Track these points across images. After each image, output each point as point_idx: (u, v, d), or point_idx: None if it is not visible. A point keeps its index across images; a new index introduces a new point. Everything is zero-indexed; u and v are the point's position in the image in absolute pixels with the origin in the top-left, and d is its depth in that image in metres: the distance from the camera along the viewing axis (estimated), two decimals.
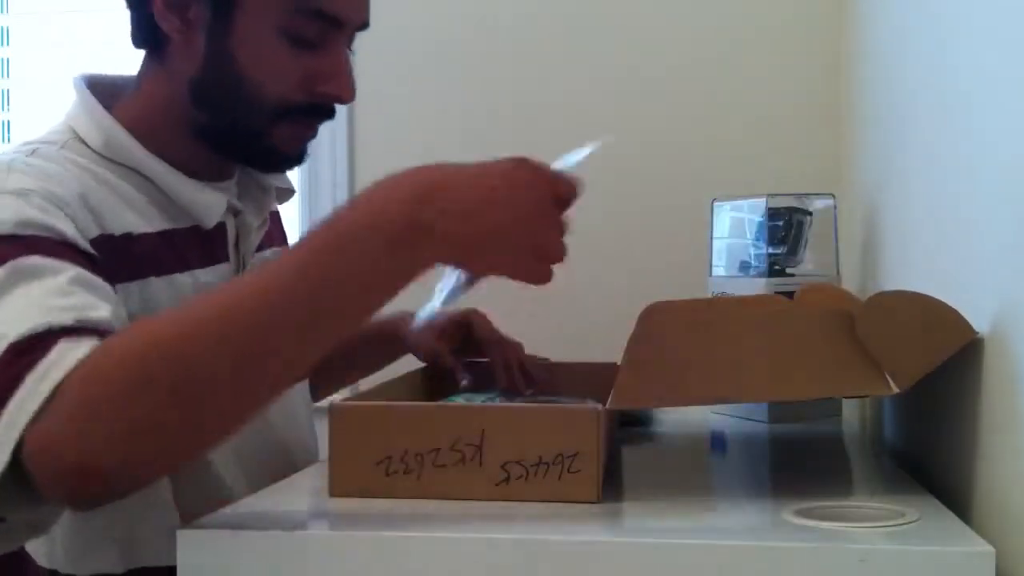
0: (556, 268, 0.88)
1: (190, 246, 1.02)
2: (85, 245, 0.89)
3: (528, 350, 1.30)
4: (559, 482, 0.82)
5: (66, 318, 0.79)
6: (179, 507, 0.97)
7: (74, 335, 0.78)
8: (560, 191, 0.86)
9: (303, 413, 1.18)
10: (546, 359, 1.31)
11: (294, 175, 1.18)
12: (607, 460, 0.90)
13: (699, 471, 1.09)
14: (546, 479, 0.82)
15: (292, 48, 0.99)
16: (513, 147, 2.06)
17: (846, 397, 1.33)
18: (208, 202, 1.03)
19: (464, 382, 1.23)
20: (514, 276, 0.84)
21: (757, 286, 1.35)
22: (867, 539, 0.73)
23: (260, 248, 1.11)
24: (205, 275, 1.02)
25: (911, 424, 1.13)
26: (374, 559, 0.74)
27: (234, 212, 1.07)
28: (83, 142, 1.00)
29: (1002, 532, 0.76)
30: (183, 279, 1.00)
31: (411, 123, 1.93)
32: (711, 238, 1.47)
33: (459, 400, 1.14)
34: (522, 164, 0.85)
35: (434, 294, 0.93)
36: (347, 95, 1.02)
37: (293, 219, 1.93)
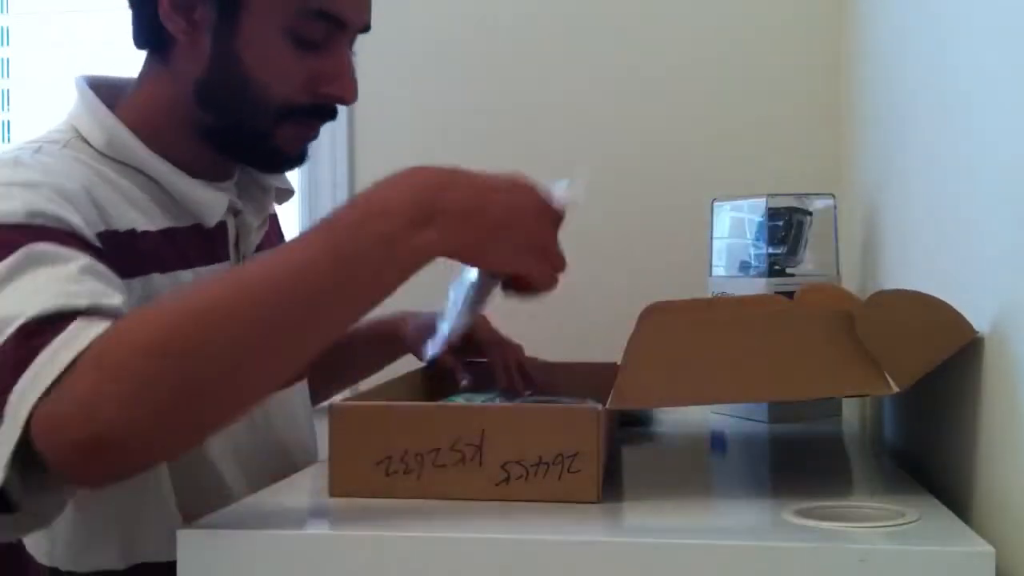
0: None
1: (191, 244, 1.03)
2: (92, 239, 0.90)
3: (528, 350, 1.30)
4: (559, 482, 0.82)
5: (81, 302, 0.80)
6: (179, 505, 0.98)
7: (88, 317, 0.79)
8: (553, 207, 0.89)
9: (303, 414, 1.18)
10: (545, 361, 1.31)
11: (294, 176, 1.18)
12: (607, 460, 0.90)
13: (699, 471, 1.09)
14: (546, 479, 0.82)
15: (296, 49, 0.99)
16: (513, 147, 2.08)
17: (846, 397, 1.33)
18: (210, 201, 1.04)
19: (464, 382, 1.23)
20: (517, 269, 0.86)
21: (757, 286, 1.35)
22: (867, 539, 0.73)
23: (259, 248, 1.12)
24: (206, 273, 1.03)
25: (911, 424, 1.13)
26: (374, 559, 0.74)
27: (234, 212, 1.08)
28: (85, 141, 1.00)
29: (1002, 532, 0.76)
30: (185, 276, 1.00)
31: (411, 124, 1.93)
32: (711, 238, 1.47)
33: (459, 400, 1.14)
34: (518, 174, 0.88)
35: (440, 323, 0.94)
36: (350, 96, 1.03)
37: (293, 219, 1.93)
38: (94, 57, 2.04)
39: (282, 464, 1.08)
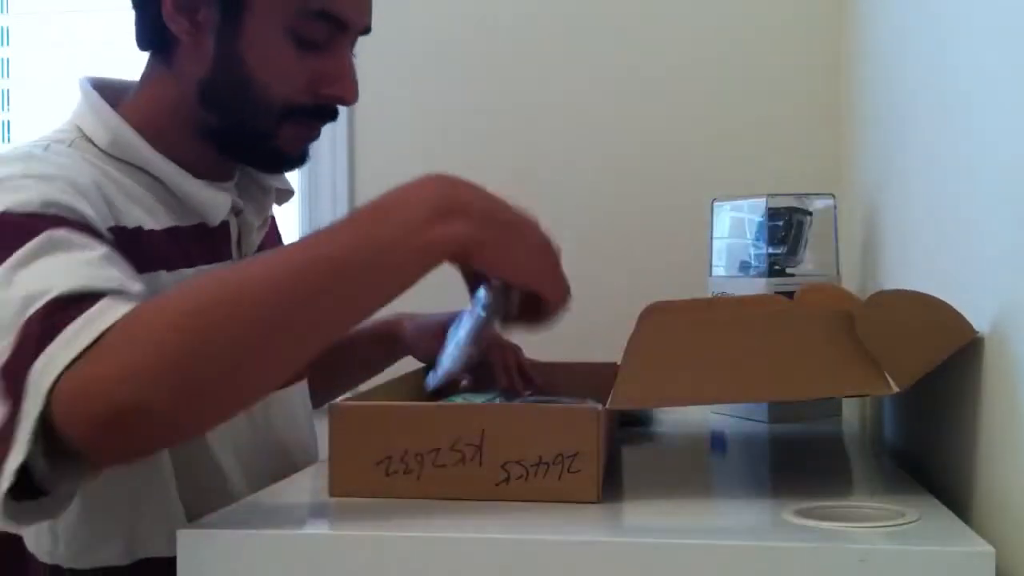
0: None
1: (195, 243, 1.03)
2: (105, 232, 0.91)
3: (528, 351, 1.30)
4: (559, 482, 0.82)
5: (106, 284, 0.81)
6: (182, 502, 0.98)
7: (114, 297, 0.80)
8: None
9: (303, 414, 1.18)
10: (545, 361, 1.31)
11: (294, 177, 1.19)
12: (607, 460, 0.90)
13: (699, 471, 1.09)
14: (546, 479, 0.82)
15: (298, 50, 1.00)
16: (513, 147, 2.08)
17: (846, 397, 1.33)
18: (215, 200, 1.04)
19: (464, 382, 1.23)
20: (530, 279, 0.88)
21: (757, 286, 1.35)
22: (867, 539, 0.72)
23: (260, 249, 1.12)
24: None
25: (911, 424, 1.13)
26: (374, 559, 0.74)
27: (236, 211, 1.08)
28: (90, 141, 1.01)
29: (1002, 532, 0.76)
30: (189, 275, 1.00)
31: (411, 124, 1.93)
32: (711, 238, 1.47)
33: (459, 400, 1.14)
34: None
35: (441, 357, 0.95)
36: (351, 97, 1.04)
37: (293, 220, 1.93)
38: (94, 57, 2.04)
39: (282, 464, 1.08)
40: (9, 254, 0.83)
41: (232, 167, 1.09)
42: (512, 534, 0.75)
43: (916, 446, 1.09)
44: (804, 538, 0.72)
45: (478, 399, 1.14)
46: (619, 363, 0.89)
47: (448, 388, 1.22)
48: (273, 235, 1.22)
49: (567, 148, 1.89)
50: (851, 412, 1.42)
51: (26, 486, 0.78)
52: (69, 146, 0.99)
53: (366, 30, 1.06)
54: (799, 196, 1.43)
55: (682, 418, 1.30)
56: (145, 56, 1.06)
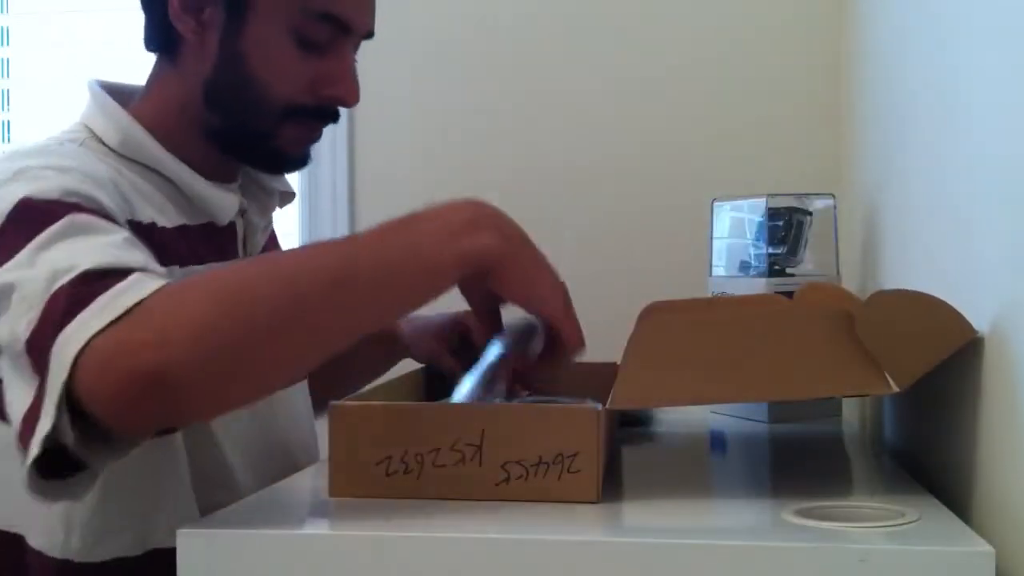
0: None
1: (204, 242, 1.04)
2: (123, 223, 0.91)
3: None
4: (559, 482, 0.82)
5: (134, 263, 0.82)
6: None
7: (145, 273, 0.80)
8: None
9: (304, 413, 1.19)
10: None
11: (294, 177, 1.19)
12: (607, 460, 0.90)
13: (699, 471, 1.09)
14: (546, 479, 0.82)
15: (300, 50, 1.01)
16: (513, 147, 2.07)
17: (846, 397, 1.33)
18: (223, 200, 1.06)
19: None
20: (554, 310, 0.91)
21: (757, 286, 1.35)
22: (867, 539, 0.72)
23: (264, 250, 1.13)
24: None
25: (911, 424, 1.13)
26: (374, 559, 0.74)
27: (241, 212, 1.10)
28: (100, 141, 1.02)
29: (1002, 532, 0.76)
30: (201, 271, 1.01)
31: (411, 124, 1.93)
32: (711, 238, 1.47)
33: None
34: None
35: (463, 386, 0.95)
36: (352, 98, 1.05)
37: (293, 221, 1.93)
38: (94, 57, 2.04)
39: (285, 462, 1.09)
40: (32, 237, 0.83)
41: (236, 169, 1.10)
42: (512, 534, 0.75)
43: (916, 446, 1.09)
44: (804, 538, 0.72)
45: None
46: (619, 363, 0.89)
47: (448, 388, 1.22)
48: (272, 240, 1.22)
49: (567, 148, 1.89)
50: (851, 412, 1.41)
51: (57, 466, 0.79)
52: (80, 145, 1.01)
53: (369, 35, 1.07)
54: (799, 196, 1.43)
55: (682, 418, 1.30)
56: (147, 56, 1.07)
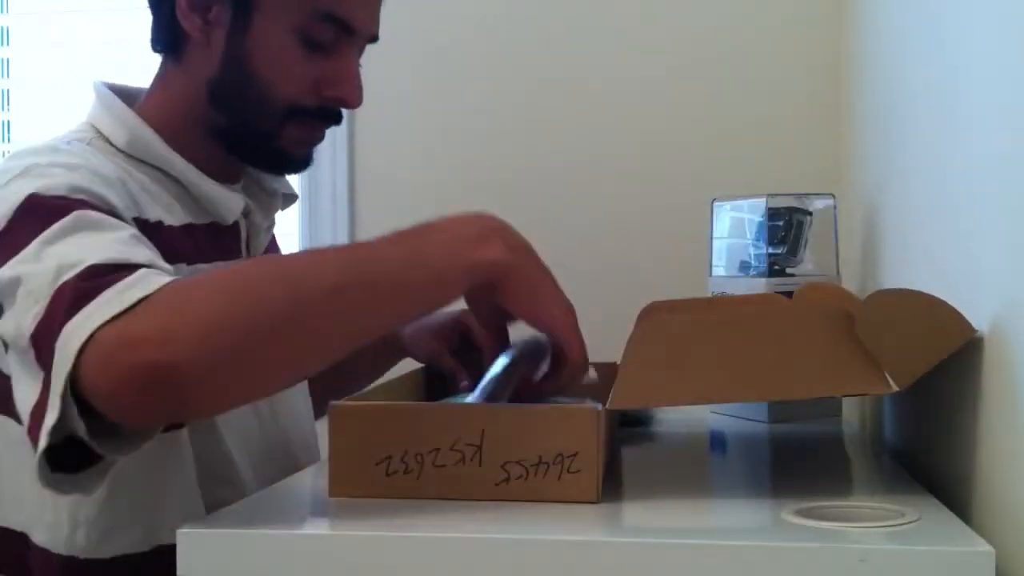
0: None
1: (209, 242, 1.05)
2: (130, 221, 0.92)
3: None
4: (559, 482, 0.82)
5: (141, 259, 0.82)
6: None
7: (151, 269, 0.81)
8: None
9: (305, 412, 1.19)
10: None
11: (294, 179, 1.19)
12: (607, 460, 0.90)
13: (699, 471, 1.09)
14: (546, 479, 0.82)
15: (304, 51, 1.02)
16: (513, 147, 2.07)
17: (846, 396, 1.33)
18: (229, 200, 1.06)
19: (464, 382, 1.23)
20: (561, 327, 0.90)
21: (757, 286, 1.35)
22: (867, 539, 0.72)
23: (266, 252, 1.14)
24: None
25: (911, 424, 1.13)
26: (374, 559, 0.74)
27: (244, 212, 1.10)
28: (107, 141, 1.03)
29: (1002, 532, 0.76)
30: (208, 270, 1.01)
31: (411, 124, 1.93)
32: (711, 238, 1.47)
33: (459, 400, 1.14)
34: None
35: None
36: (354, 100, 1.06)
37: (293, 222, 1.93)
38: (94, 57, 2.04)
39: (286, 460, 1.10)
40: (39, 232, 0.84)
41: (240, 169, 1.11)
42: (512, 534, 0.75)
43: (916, 446, 1.09)
44: (804, 538, 0.72)
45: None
46: (619, 363, 0.89)
47: (448, 388, 1.22)
48: (272, 244, 1.23)
49: (567, 148, 1.89)
50: (851, 412, 1.41)
51: (69, 459, 0.79)
52: (88, 145, 1.01)
53: (373, 38, 1.08)
54: (799, 196, 1.43)
55: (682, 418, 1.30)
56: (147, 57, 1.07)
